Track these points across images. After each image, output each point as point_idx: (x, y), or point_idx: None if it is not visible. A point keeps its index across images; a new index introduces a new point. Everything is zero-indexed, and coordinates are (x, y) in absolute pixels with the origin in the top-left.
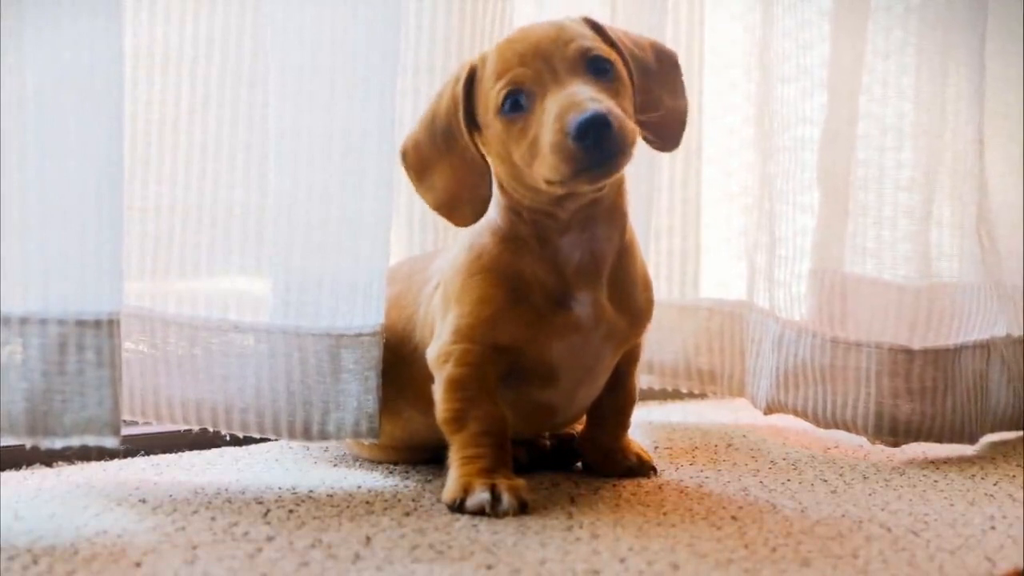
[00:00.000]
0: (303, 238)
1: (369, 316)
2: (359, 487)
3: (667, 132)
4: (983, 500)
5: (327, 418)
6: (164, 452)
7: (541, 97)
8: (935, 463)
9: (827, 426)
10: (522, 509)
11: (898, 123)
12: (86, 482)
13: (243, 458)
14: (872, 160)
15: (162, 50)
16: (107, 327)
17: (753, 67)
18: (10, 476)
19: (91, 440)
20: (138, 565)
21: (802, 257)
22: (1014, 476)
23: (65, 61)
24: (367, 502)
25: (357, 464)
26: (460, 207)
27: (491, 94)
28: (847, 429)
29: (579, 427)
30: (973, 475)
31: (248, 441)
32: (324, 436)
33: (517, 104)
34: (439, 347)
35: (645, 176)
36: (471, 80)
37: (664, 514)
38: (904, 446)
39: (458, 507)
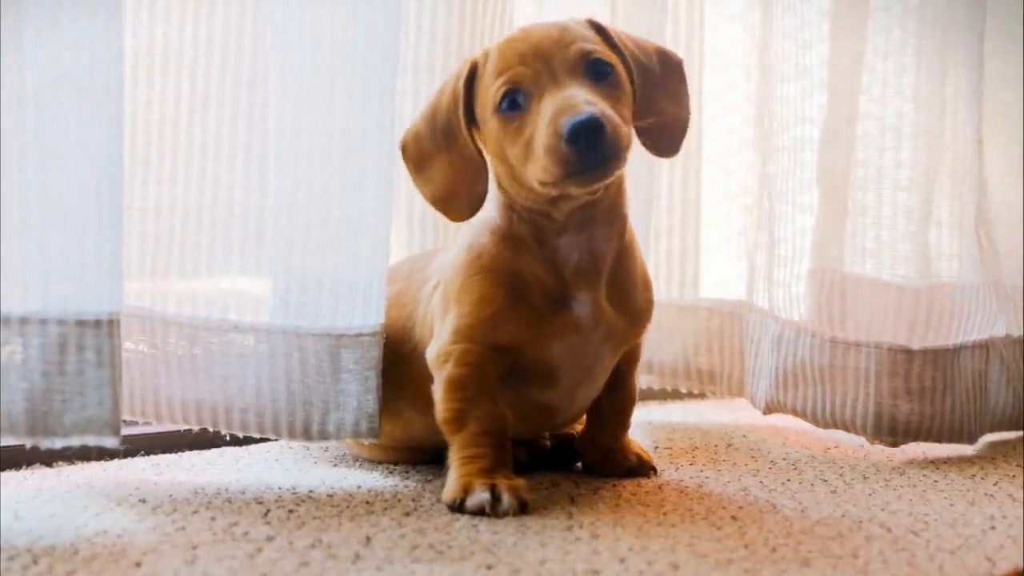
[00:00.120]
0: (303, 238)
1: (369, 316)
2: (359, 487)
3: (667, 138)
4: (983, 500)
5: (327, 418)
6: (164, 452)
7: (538, 97)
8: (935, 463)
9: (826, 426)
10: (522, 509)
11: (897, 123)
12: (86, 482)
13: (243, 458)
14: (871, 160)
15: (162, 50)
16: (107, 327)
17: (753, 67)
18: (10, 476)
19: (91, 440)
20: (138, 565)
21: (801, 257)
22: (1014, 476)
23: (65, 61)
24: (367, 502)
25: (357, 464)
26: (456, 202)
27: (490, 91)
28: (846, 429)
29: (579, 427)
30: (973, 475)
31: (248, 441)
32: (324, 436)
33: (515, 103)
34: (439, 347)
35: (645, 176)
36: (472, 76)
37: (664, 514)
38: (904, 446)
39: (458, 507)
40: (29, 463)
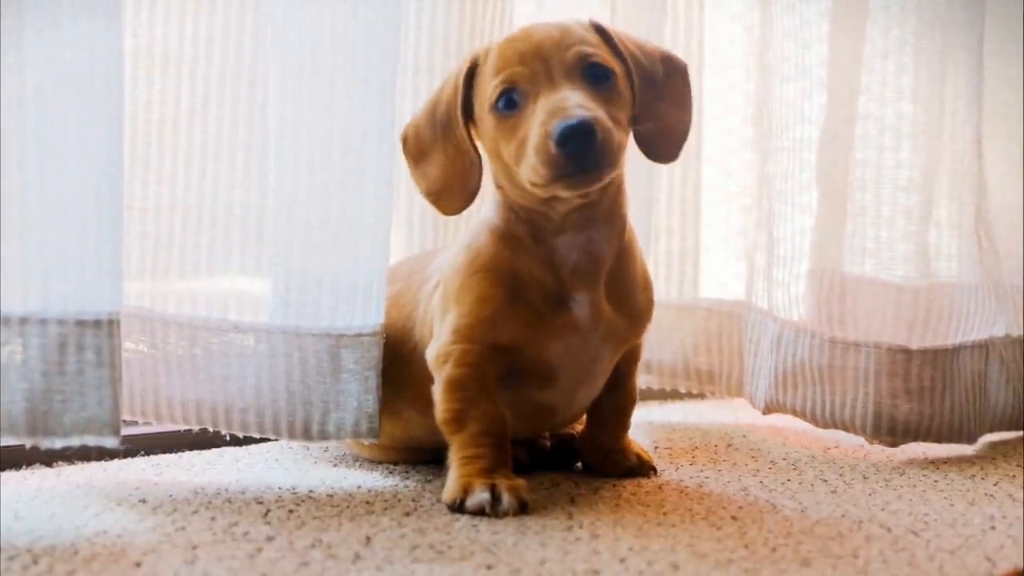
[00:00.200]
0: (303, 238)
1: (369, 316)
2: (359, 487)
3: (666, 144)
4: (983, 500)
5: (327, 418)
6: (164, 452)
7: (534, 98)
8: (935, 463)
9: (825, 426)
10: (522, 509)
11: (897, 123)
12: (86, 482)
13: (243, 458)
14: (871, 160)
15: (162, 50)
16: (107, 327)
17: (752, 67)
18: (10, 476)
19: (91, 440)
20: (138, 565)
21: (801, 257)
22: (1014, 476)
23: (65, 61)
24: (367, 502)
25: (357, 464)
26: (449, 196)
27: (487, 88)
28: (845, 429)
29: (579, 427)
30: (973, 475)
31: (248, 441)
32: (324, 436)
33: (511, 102)
34: (438, 347)
35: (645, 177)
36: (472, 72)
37: (664, 514)
38: (904, 446)
39: (458, 507)
40: (29, 463)
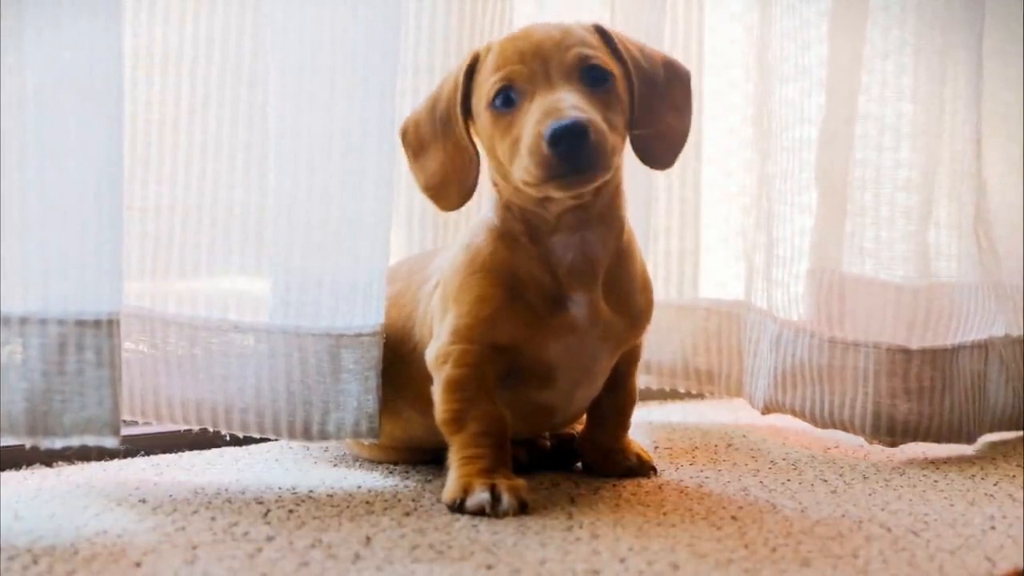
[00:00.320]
0: (303, 238)
1: (369, 316)
2: (359, 487)
3: (663, 149)
4: (983, 500)
5: (327, 418)
6: (164, 452)
7: (531, 97)
8: (935, 463)
9: (825, 426)
10: (522, 509)
11: (896, 123)
12: (86, 482)
13: (243, 458)
14: (870, 160)
15: (162, 50)
16: (107, 327)
17: (752, 67)
18: (10, 476)
19: (91, 440)
20: (138, 565)
21: (800, 257)
22: (1014, 476)
23: (65, 61)
24: (367, 502)
25: (357, 464)
26: (446, 191)
27: (486, 86)
28: (845, 429)
29: (579, 427)
30: (973, 475)
31: (248, 441)
32: (324, 436)
33: (508, 100)
34: (438, 348)
35: (644, 177)
36: (473, 68)
37: (664, 514)
38: (903, 446)
39: (458, 507)
40: (29, 463)
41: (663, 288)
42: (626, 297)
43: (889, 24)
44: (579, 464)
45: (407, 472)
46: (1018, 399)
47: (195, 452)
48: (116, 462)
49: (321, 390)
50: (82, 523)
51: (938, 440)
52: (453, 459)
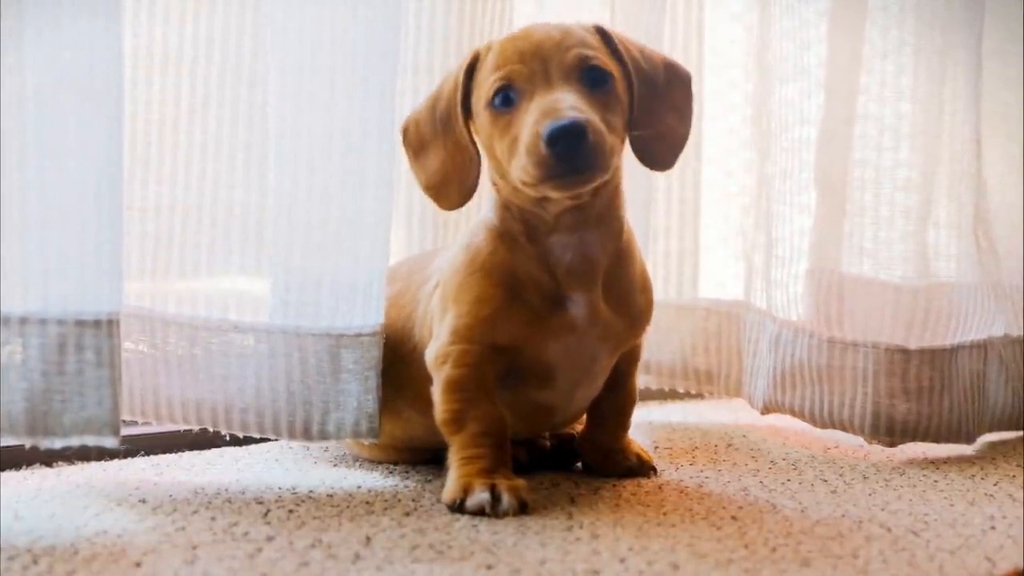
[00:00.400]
0: (303, 238)
1: (369, 316)
2: (359, 487)
3: (663, 151)
4: (983, 500)
5: (327, 418)
6: (164, 452)
7: (530, 97)
8: (935, 463)
9: (824, 426)
10: (522, 509)
11: (896, 123)
12: (86, 482)
13: (243, 458)
14: (870, 160)
15: (162, 50)
16: (107, 327)
17: (752, 67)
18: (10, 476)
19: (91, 440)
20: (138, 565)
21: (799, 257)
22: (1014, 476)
23: (65, 61)
24: (367, 502)
25: (357, 464)
26: (447, 190)
27: (485, 85)
28: (844, 429)
29: (579, 427)
30: (973, 475)
31: (248, 441)
32: (324, 436)
33: (508, 99)
34: (437, 348)
35: (643, 177)
36: (473, 67)
37: (664, 514)
38: (903, 446)
39: (458, 507)
40: (29, 463)
41: (663, 288)
42: (626, 297)
43: (888, 24)
44: (579, 464)
45: (407, 472)
46: (1017, 399)
47: (195, 452)
48: (116, 462)
49: (321, 390)
50: (82, 523)
51: (937, 440)
52: (453, 459)
